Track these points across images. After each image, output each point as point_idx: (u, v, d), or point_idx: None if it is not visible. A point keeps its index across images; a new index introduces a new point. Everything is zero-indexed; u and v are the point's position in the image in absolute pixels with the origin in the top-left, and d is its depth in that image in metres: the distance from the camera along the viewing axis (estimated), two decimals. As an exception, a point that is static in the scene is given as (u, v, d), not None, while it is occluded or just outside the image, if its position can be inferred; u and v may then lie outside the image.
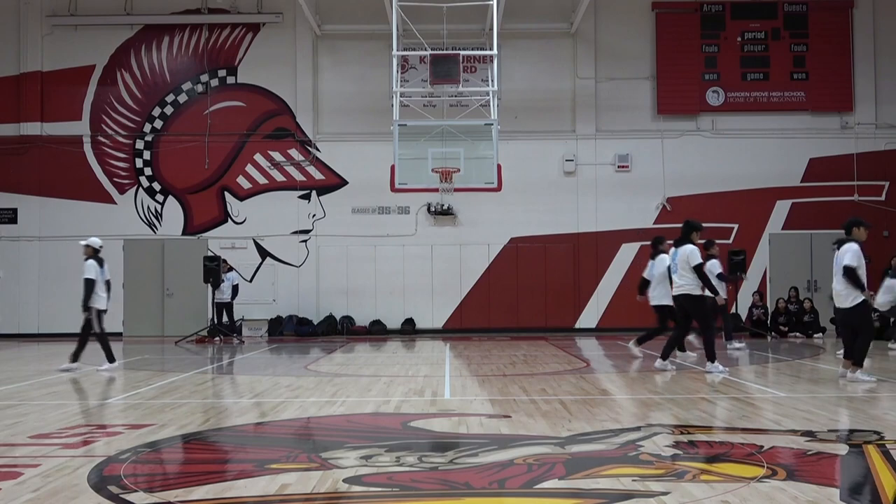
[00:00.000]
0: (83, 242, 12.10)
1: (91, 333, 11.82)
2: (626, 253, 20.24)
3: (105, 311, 11.93)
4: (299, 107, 20.59)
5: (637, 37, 20.68)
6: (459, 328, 20.13)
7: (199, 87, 20.76)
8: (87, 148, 20.63)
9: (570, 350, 15.17)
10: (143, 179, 20.66)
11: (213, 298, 18.35)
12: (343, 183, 20.54)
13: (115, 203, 20.54)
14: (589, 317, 20.38)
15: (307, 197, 20.52)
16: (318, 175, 20.55)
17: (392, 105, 16.51)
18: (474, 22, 19.76)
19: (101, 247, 12.07)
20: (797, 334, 17.89)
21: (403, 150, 15.66)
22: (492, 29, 17.12)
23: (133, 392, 9.32)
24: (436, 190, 17.59)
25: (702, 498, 4.40)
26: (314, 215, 20.53)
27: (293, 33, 20.64)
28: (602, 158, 20.50)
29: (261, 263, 20.54)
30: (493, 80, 16.64)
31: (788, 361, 12.88)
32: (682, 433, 6.36)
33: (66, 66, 20.68)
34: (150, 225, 20.59)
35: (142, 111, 20.74)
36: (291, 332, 19.86)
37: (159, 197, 20.63)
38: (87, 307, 11.71)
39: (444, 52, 16.83)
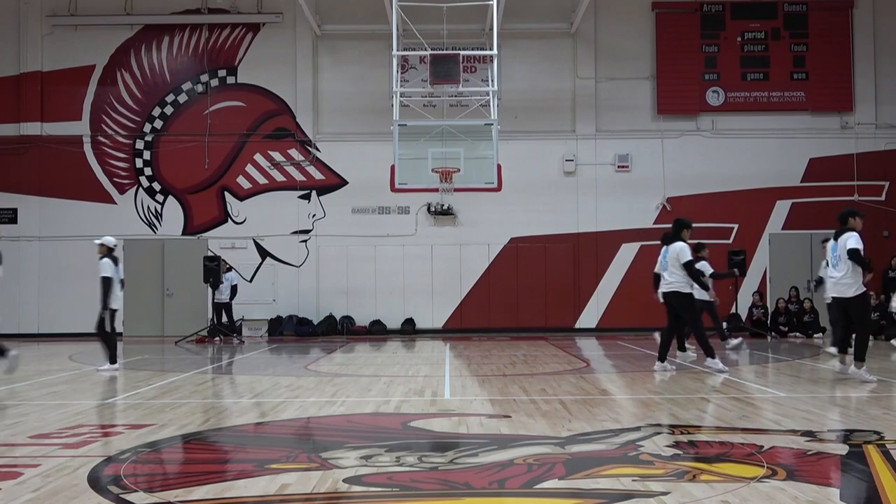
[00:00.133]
0: (97, 241, 11.94)
1: (103, 331, 11.71)
2: (627, 253, 20.25)
3: (117, 310, 11.85)
4: (299, 107, 20.60)
5: (637, 37, 20.68)
6: (459, 328, 20.13)
7: (199, 87, 20.77)
8: (87, 148, 20.64)
9: (570, 350, 15.17)
10: (143, 179, 20.66)
11: (214, 299, 18.35)
12: (343, 183, 20.54)
13: (115, 203, 20.54)
14: (589, 317, 20.38)
15: (307, 197, 20.52)
16: (318, 175, 20.55)
17: (392, 105, 16.52)
18: (474, 22, 19.76)
19: (115, 245, 12.01)
20: (797, 334, 17.90)
21: (403, 150, 15.66)
22: (492, 29, 17.13)
23: (133, 392, 9.31)
24: (436, 190, 17.59)
25: (702, 498, 4.39)
26: (314, 215, 20.53)
27: (293, 33, 20.65)
28: (602, 158, 20.50)
29: (261, 263, 20.55)
30: (493, 80, 16.65)
31: (788, 361, 12.88)
32: (682, 433, 6.35)
33: (66, 66, 20.69)
34: (150, 225, 20.59)
35: (142, 111, 20.74)
36: (291, 332, 19.86)
37: (159, 197, 20.64)
38: (106, 306, 11.63)
39: (444, 52, 16.83)
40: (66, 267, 20.14)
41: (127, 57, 20.75)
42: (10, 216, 20.49)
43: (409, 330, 20.11)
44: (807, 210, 20.20)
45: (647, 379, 10.18)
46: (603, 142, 20.53)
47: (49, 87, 20.64)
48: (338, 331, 20.03)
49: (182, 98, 20.79)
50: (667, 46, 20.52)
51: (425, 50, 17.02)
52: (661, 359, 11.03)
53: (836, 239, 9.68)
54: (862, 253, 9.42)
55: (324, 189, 20.53)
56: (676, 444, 5.90)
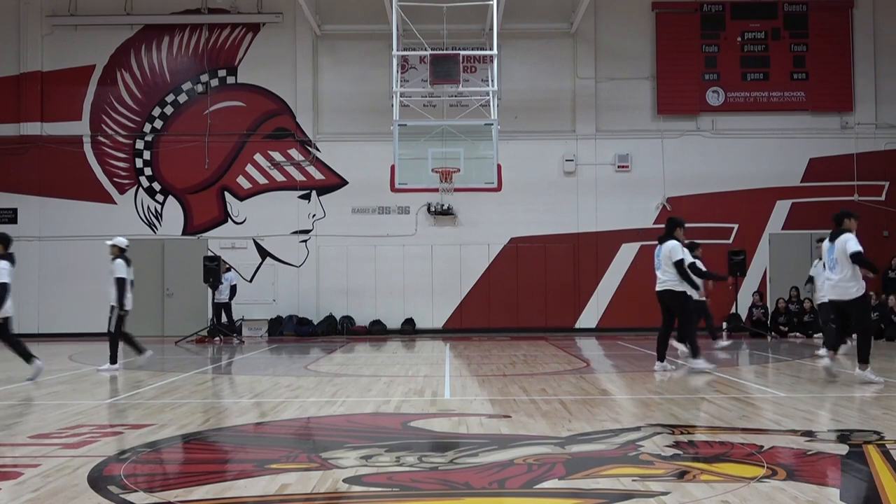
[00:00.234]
0: (109, 242, 11.90)
1: (108, 331, 11.68)
2: (627, 253, 20.25)
3: (128, 311, 11.82)
4: (299, 107, 20.60)
5: (637, 37, 20.68)
6: (459, 328, 20.13)
7: (199, 87, 20.77)
8: (87, 148, 20.64)
9: (570, 350, 15.17)
10: (143, 179, 20.66)
11: (213, 299, 18.35)
12: (343, 183, 20.54)
13: (115, 203, 20.54)
14: (589, 317, 20.38)
15: (307, 197, 20.52)
16: (318, 175, 20.56)
17: (392, 105, 16.52)
18: (474, 22, 19.76)
19: (127, 246, 11.98)
20: (797, 334, 17.90)
21: (403, 150, 15.67)
22: (492, 29, 17.13)
23: (133, 392, 9.31)
24: (436, 190, 17.59)
25: (702, 498, 4.39)
26: (314, 215, 20.53)
27: (293, 33, 20.65)
28: (602, 158, 20.50)
29: (261, 263, 20.55)
30: (493, 80, 16.65)
31: (788, 361, 12.87)
32: (682, 433, 6.35)
33: (66, 66, 20.69)
34: (150, 225, 20.59)
35: (142, 111, 20.74)
36: (291, 332, 19.86)
37: (159, 197, 20.64)
38: (122, 306, 11.59)
39: (444, 52, 16.83)
40: (66, 267, 20.14)
41: (127, 57, 20.75)
42: (10, 216, 20.49)
43: (409, 330, 20.10)
44: (807, 210, 20.20)
45: (647, 379, 10.18)
46: (603, 142, 20.53)
47: (49, 87, 20.64)
48: (338, 331, 20.03)
49: (182, 98, 20.79)
50: (667, 46, 20.53)
51: (425, 50, 17.02)
52: (661, 358, 11.03)
53: (831, 240, 9.61)
54: (863, 254, 9.39)
55: (324, 189, 20.53)
56: (676, 444, 5.90)
